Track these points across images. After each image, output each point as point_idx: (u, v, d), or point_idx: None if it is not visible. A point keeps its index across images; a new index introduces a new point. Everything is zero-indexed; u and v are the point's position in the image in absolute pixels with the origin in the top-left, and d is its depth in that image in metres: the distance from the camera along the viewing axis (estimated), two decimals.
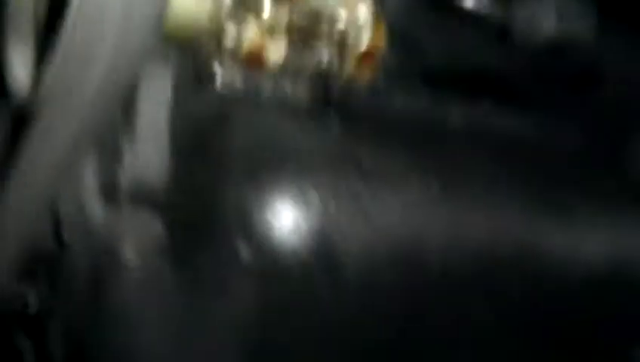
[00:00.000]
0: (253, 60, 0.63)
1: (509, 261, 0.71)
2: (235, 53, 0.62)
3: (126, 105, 0.59)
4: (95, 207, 0.57)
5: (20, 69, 0.57)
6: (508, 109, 0.79)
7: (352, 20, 0.67)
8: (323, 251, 0.58)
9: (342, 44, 0.67)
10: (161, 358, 0.63)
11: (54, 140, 0.51)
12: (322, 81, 0.65)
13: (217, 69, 0.62)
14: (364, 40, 0.68)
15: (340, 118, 0.64)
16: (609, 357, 0.83)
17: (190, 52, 0.62)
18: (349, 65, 0.68)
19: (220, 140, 0.60)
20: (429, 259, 0.63)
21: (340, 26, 0.67)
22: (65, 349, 0.73)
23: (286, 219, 0.58)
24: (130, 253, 0.58)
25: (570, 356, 0.80)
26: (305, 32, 0.65)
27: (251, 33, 0.62)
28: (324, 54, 0.66)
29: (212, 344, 0.60)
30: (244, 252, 0.57)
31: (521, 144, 0.77)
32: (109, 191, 0.58)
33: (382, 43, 0.70)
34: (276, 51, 0.63)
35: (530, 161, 0.76)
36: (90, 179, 0.58)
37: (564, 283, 0.75)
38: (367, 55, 0.69)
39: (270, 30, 0.63)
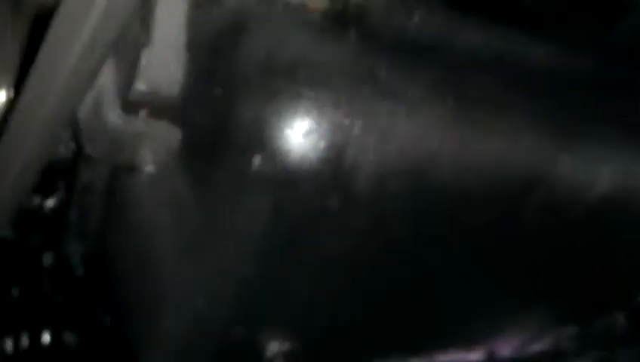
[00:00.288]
0: None
1: (521, 185, 0.71)
2: None
3: (144, 14, 0.59)
4: (113, 115, 0.57)
5: None
6: (529, 35, 0.78)
7: None
8: (335, 163, 0.59)
9: None
10: (174, 264, 0.65)
11: (71, 43, 0.51)
12: None
13: None
14: None
15: (356, 31, 0.63)
16: (614, 293, 0.85)
17: None
18: None
19: (235, 50, 0.59)
20: (440, 179, 0.63)
21: None
22: (81, 252, 0.75)
23: (300, 130, 0.58)
24: (146, 160, 0.59)
25: (576, 284, 0.82)
26: None
27: None
28: None
29: (225, 252, 0.62)
30: (259, 165, 0.58)
31: (538, 70, 0.76)
32: (127, 100, 0.58)
33: None
34: None
35: (546, 88, 0.75)
36: (108, 88, 0.58)
37: (574, 209, 0.76)
38: None
39: None
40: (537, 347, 0.90)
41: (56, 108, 0.56)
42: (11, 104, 0.67)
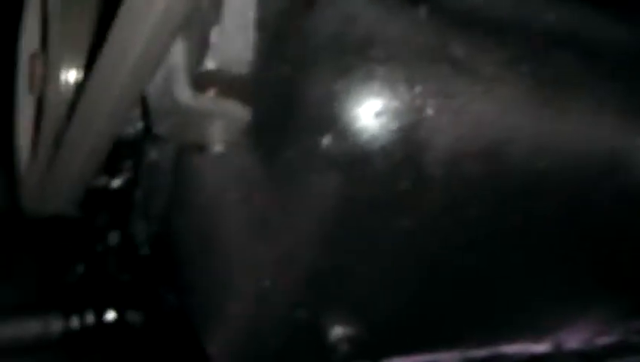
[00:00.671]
0: None
1: (597, 169, 0.68)
2: None
3: None
4: (183, 93, 0.57)
5: None
6: (607, 11, 0.74)
7: None
8: (408, 143, 0.57)
9: None
10: (240, 245, 0.65)
11: (142, 22, 0.51)
12: None
13: None
14: None
15: (428, 7, 0.61)
16: None
17: None
18: None
19: (304, 27, 0.58)
20: (515, 161, 0.61)
21: None
22: (147, 232, 0.76)
23: (372, 109, 0.56)
24: (215, 138, 0.58)
25: None
26: None
27: None
28: None
29: (292, 234, 0.61)
30: (328, 144, 0.57)
31: (618, 48, 0.72)
32: (196, 78, 0.58)
33: None
34: None
35: (626, 66, 0.72)
36: (178, 66, 0.57)
37: None
38: None
39: None
40: (605, 340, 0.86)
41: (126, 87, 0.55)
42: (82, 83, 0.68)
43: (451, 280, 0.66)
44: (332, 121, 0.57)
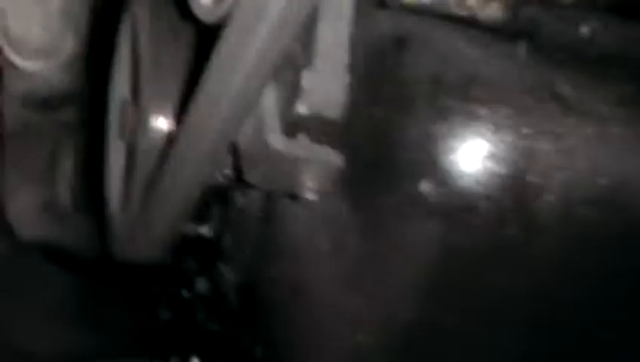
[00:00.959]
0: None
1: None
2: None
3: (304, 34, 0.56)
4: (274, 139, 0.55)
5: None
6: None
7: None
8: (516, 190, 0.53)
9: None
10: (333, 297, 0.62)
11: (236, 66, 0.50)
12: (513, 2, 0.59)
13: None
14: None
15: (528, 44, 0.58)
16: None
17: None
18: None
19: (400, 67, 0.56)
20: (634, 207, 0.56)
21: None
22: (235, 280, 0.74)
23: (475, 153, 0.53)
24: (308, 186, 0.56)
25: None
26: None
27: None
28: None
29: (388, 286, 0.58)
30: (428, 190, 0.53)
31: None
32: (288, 124, 0.56)
33: None
34: None
35: None
36: (269, 111, 0.56)
37: None
38: None
39: None
40: None
41: (218, 134, 0.54)
42: (174, 131, 0.67)
43: (568, 341, 0.61)
44: (431, 165, 0.53)
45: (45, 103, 0.89)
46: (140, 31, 0.71)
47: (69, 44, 0.80)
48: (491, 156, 0.53)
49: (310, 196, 0.56)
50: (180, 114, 0.67)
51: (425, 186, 0.53)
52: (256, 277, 0.71)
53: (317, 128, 0.55)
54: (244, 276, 0.72)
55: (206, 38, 0.55)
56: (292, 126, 0.56)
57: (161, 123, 0.69)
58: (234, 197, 0.70)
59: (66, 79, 0.86)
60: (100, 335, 1.03)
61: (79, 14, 0.78)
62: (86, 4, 0.77)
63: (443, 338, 0.60)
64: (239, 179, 0.62)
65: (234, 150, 0.60)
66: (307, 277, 0.63)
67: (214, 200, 0.71)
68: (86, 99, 0.89)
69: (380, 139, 0.56)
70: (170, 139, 0.66)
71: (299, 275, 0.64)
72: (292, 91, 0.55)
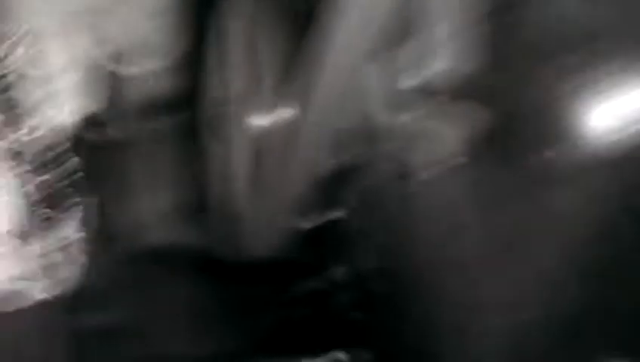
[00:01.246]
0: None
1: None
2: None
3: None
4: (407, 104, 0.51)
5: None
6: None
7: None
8: None
9: None
10: (482, 273, 0.57)
11: (351, 43, 0.46)
12: None
13: None
14: None
15: None
16: None
17: None
18: None
19: (521, 27, 0.50)
20: None
21: None
22: (377, 264, 0.70)
23: (604, 113, 0.47)
24: (444, 154, 0.52)
25: None
26: None
27: None
28: None
29: (541, 258, 0.52)
30: (557, 155, 0.48)
31: None
32: (399, 99, 0.52)
33: None
34: None
35: None
36: (375, 88, 0.52)
37: None
38: None
39: None
40: None
41: (341, 113, 0.51)
42: (294, 120, 0.65)
43: None
44: (561, 131, 0.48)
45: (160, 109, 0.89)
46: (254, 29, 0.69)
47: (181, 45, 0.80)
48: (621, 117, 0.47)
49: (449, 164, 0.51)
50: (299, 102, 0.65)
51: (555, 154, 0.48)
52: (399, 259, 0.67)
53: (431, 100, 0.51)
54: (386, 259, 0.69)
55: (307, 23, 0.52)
56: (406, 100, 0.52)
57: (282, 112, 0.67)
58: (366, 178, 0.66)
59: (176, 81, 0.86)
60: (240, 335, 1.03)
61: (181, 15, 0.77)
62: (186, 5, 0.77)
63: (606, 313, 0.54)
64: (370, 157, 0.59)
65: (366, 126, 0.56)
66: (451, 252, 0.59)
67: (346, 183, 0.68)
68: (197, 100, 0.88)
69: (502, 106, 0.51)
70: (291, 128, 0.64)
71: (443, 251, 0.60)
72: (399, 63, 0.51)
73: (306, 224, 0.69)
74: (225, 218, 0.79)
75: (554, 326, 0.56)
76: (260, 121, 0.68)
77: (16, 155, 0.57)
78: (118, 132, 0.87)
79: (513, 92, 0.52)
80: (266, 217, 0.71)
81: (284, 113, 0.67)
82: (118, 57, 0.75)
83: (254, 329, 1.00)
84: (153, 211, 0.95)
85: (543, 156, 0.51)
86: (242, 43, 0.69)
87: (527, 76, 0.51)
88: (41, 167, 0.60)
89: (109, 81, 0.78)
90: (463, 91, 0.52)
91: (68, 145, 0.61)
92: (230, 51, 0.72)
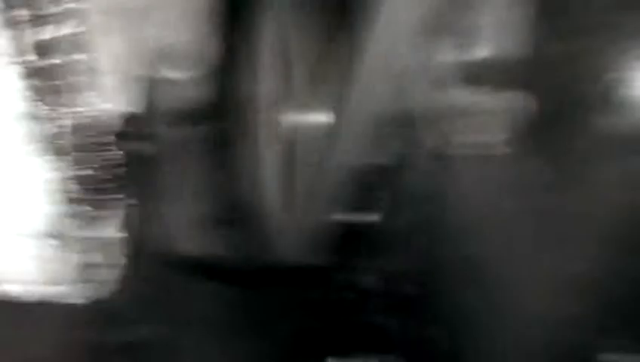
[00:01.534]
0: None
1: None
2: None
3: None
4: (456, 91, 0.51)
5: None
6: None
7: None
8: None
9: None
10: (530, 266, 0.56)
11: (397, 24, 0.47)
12: None
13: None
14: None
15: None
16: None
17: None
18: None
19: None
20: None
21: None
22: (410, 267, 0.70)
23: None
24: (496, 139, 0.51)
25: None
26: None
27: None
28: None
29: (592, 240, 0.52)
30: (628, 123, 0.47)
31: None
32: (467, 73, 0.52)
33: None
34: None
35: None
36: (445, 65, 0.52)
37: None
38: None
39: None
40: None
41: (389, 104, 0.51)
42: (334, 121, 0.65)
43: None
44: (628, 96, 0.48)
45: (192, 117, 0.90)
46: (284, 28, 0.70)
47: (213, 50, 0.81)
48: None
49: (499, 150, 0.51)
50: (335, 102, 0.65)
51: (626, 121, 0.48)
52: (435, 260, 0.66)
53: (498, 74, 0.51)
54: (421, 262, 0.68)
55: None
56: (471, 76, 0.52)
57: (319, 118, 0.68)
58: (400, 177, 0.66)
59: (211, 89, 0.86)
60: (269, 344, 1.02)
61: (219, 17, 0.78)
62: (224, 7, 0.78)
63: None
64: (411, 147, 0.59)
65: (405, 117, 0.56)
66: (497, 248, 0.58)
67: (379, 184, 0.68)
68: (230, 108, 0.89)
69: (567, 76, 0.50)
70: (330, 130, 0.64)
71: (486, 248, 0.59)
72: (466, 40, 0.52)
73: (339, 227, 0.68)
74: (257, 225, 0.78)
75: (591, 322, 0.55)
76: (294, 123, 0.68)
77: (59, 149, 0.57)
78: (154, 138, 0.88)
79: (573, 65, 0.51)
80: (298, 222, 0.70)
81: (319, 114, 0.68)
82: (155, 61, 0.76)
83: (285, 336, 0.98)
84: (184, 220, 0.95)
85: (611, 126, 0.49)
86: (274, 45, 0.69)
87: (588, 46, 0.50)
88: (82, 161, 0.60)
89: (147, 85, 0.79)
90: (506, 79, 0.52)
91: (110, 139, 0.61)
92: (262, 54, 0.73)
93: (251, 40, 0.77)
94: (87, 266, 0.63)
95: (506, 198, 0.56)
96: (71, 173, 0.60)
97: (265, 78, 0.79)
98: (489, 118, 0.52)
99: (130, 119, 0.66)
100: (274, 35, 0.74)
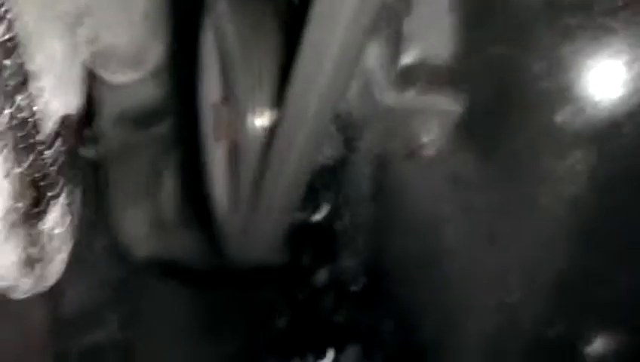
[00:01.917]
0: None
1: None
2: None
3: None
4: (386, 94, 0.52)
5: None
6: None
7: None
8: None
9: None
10: (471, 258, 0.57)
11: (332, 32, 0.46)
12: None
13: None
14: None
15: None
16: None
17: None
18: None
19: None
20: None
21: None
22: (358, 263, 0.70)
23: (613, 70, 0.47)
24: (426, 140, 0.52)
25: None
26: None
27: None
28: None
29: (532, 235, 0.53)
30: (566, 119, 0.48)
31: None
32: (396, 77, 0.52)
33: None
34: None
35: None
36: (374, 68, 0.52)
37: None
38: None
39: None
40: None
41: (324, 103, 0.51)
42: (276, 119, 0.65)
43: None
44: (565, 91, 0.48)
45: (139, 119, 0.89)
46: (225, 27, 0.69)
47: (156, 52, 0.79)
48: (630, 70, 0.47)
49: (430, 151, 0.52)
50: (279, 100, 0.65)
51: (561, 117, 0.48)
52: (380, 255, 0.67)
53: (429, 76, 0.51)
54: (368, 258, 0.69)
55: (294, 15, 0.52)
56: (402, 78, 0.52)
57: (262, 115, 0.67)
58: (342, 175, 0.66)
59: (157, 91, 0.85)
60: (226, 345, 1.02)
61: (161, 19, 0.77)
62: (166, 8, 0.76)
63: (597, 287, 0.55)
64: (348, 149, 0.59)
65: (340, 118, 0.56)
66: (437, 243, 0.59)
67: (322, 183, 0.68)
68: (178, 109, 0.88)
69: (501, 76, 0.51)
70: (273, 128, 0.64)
71: (428, 243, 0.60)
72: (395, 42, 0.52)
73: (289, 225, 0.68)
74: (209, 226, 0.78)
75: (542, 304, 0.56)
76: (260, 122, 0.67)
77: None
78: (97, 139, 0.87)
79: (504, 66, 0.51)
80: (249, 220, 0.70)
81: (263, 114, 0.67)
82: (103, 62, 0.75)
83: (241, 336, 0.99)
84: (146, 222, 0.94)
85: (550, 123, 0.50)
86: (217, 43, 0.68)
87: (525, 47, 0.50)
88: (23, 154, 0.58)
89: (95, 86, 0.77)
90: (441, 77, 0.52)
91: (54, 132, 0.60)
92: (206, 52, 0.72)
93: (194, 39, 0.76)
94: (28, 261, 0.62)
95: (442, 195, 0.57)
96: (12, 166, 0.58)
97: (209, 77, 0.78)
98: (421, 118, 0.52)
99: (68, 121, 0.64)
100: (217, 33, 0.73)
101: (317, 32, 0.48)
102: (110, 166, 0.90)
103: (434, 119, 0.52)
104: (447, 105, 0.52)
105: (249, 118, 0.67)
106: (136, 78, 0.79)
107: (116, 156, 0.89)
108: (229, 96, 0.72)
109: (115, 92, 0.82)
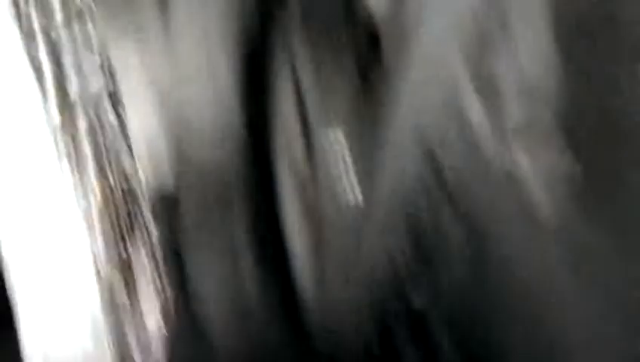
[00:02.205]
0: None
1: None
2: None
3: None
4: (491, 149, 0.47)
5: None
6: None
7: None
8: None
9: None
10: (593, 342, 0.50)
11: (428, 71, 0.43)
12: None
13: None
14: None
15: None
16: None
17: None
18: None
19: (609, 38, 0.46)
20: None
21: None
22: (454, 345, 0.63)
23: None
24: (537, 200, 0.46)
25: None
26: None
27: None
28: None
29: None
30: None
31: None
32: (495, 128, 0.48)
33: None
34: None
35: None
36: (477, 118, 0.48)
37: None
38: None
39: None
40: None
41: (419, 160, 0.48)
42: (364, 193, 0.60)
43: None
44: None
45: (220, 196, 0.87)
46: (302, 76, 0.66)
47: (239, 122, 0.79)
48: None
49: (544, 212, 0.46)
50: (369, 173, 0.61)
51: None
52: (481, 338, 0.60)
53: (535, 125, 0.46)
54: (465, 339, 0.62)
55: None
56: (499, 131, 0.48)
57: (350, 187, 0.64)
58: (434, 245, 0.61)
59: (241, 158, 0.83)
60: None
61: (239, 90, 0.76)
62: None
63: None
64: (441, 218, 0.54)
65: (434, 179, 0.52)
66: (554, 329, 0.51)
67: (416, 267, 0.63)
68: (252, 181, 0.85)
69: (609, 124, 0.46)
70: (361, 200, 0.61)
71: (540, 328, 0.52)
72: (494, 86, 0.47)
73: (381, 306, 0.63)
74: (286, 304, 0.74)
75: None
76: (322, 199, 0.64)
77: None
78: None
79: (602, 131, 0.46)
80: (337, 298, 0.66)
81: (350, 190, 0.64)
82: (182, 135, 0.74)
83: None
84: (216, 308, 0.90)
85: None
86: (298, 108, 0.66)
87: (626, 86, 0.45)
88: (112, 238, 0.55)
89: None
90: (544, 139, 0.47)
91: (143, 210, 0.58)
92: (285, 121, 0.70)
93: (273, 104, 0.74)
94: None
95: (557, 266, 0.50)
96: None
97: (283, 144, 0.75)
98: (528, 181, 0.47)
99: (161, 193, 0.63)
100: (297, 97, 0.71)
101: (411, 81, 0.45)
102: (191, 247, 0.88)
103: (545, 175, 0.46)
104: (559, 159, 0.47)
105: (339, 196, 0.63)
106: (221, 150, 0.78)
107: (196, 238, 0.87)
108: (315, 170, 0.70)
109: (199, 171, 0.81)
